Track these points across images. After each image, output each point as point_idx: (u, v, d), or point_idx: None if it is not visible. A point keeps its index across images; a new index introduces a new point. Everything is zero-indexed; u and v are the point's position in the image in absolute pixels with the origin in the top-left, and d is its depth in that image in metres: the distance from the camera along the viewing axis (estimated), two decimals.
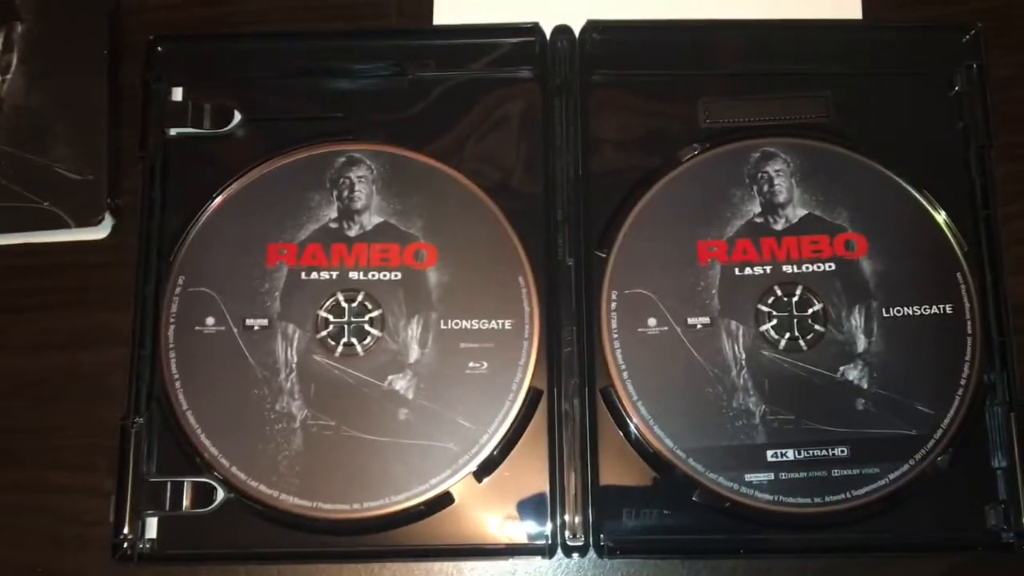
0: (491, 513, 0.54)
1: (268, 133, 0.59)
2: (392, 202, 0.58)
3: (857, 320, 0.56)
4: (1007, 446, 0.54)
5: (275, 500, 0.53)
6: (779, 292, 0.56)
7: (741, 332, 0.56)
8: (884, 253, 0.57)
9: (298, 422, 0.54)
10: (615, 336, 0.56)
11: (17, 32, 0.61)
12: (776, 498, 0.53)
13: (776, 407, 0.55)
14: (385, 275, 0.57)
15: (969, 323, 0.56)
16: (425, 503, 0.54)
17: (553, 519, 0.54)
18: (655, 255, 0.57)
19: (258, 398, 0.55)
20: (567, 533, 0.53)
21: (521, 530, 0.54)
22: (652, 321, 0.56)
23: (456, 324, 0.56)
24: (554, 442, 0.54)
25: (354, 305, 0.56)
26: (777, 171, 0.58)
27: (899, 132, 0.59)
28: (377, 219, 0.58)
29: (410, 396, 0.55)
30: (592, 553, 0.54)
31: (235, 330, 0.56)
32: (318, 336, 0.56)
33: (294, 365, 0.55)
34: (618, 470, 0.54)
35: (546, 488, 0.54)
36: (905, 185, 0.58)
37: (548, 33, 0.60)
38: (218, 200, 0.58)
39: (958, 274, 0.56)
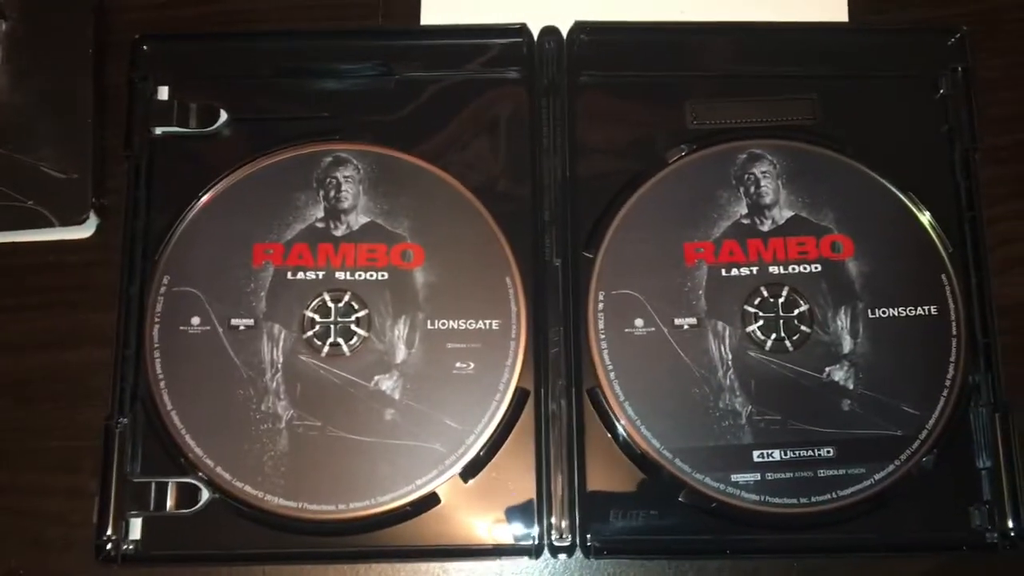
0: (478, 514, 0.54)
1: (254, 133, 0.59)
2: (379, 202, 0.58)
3: (843, 321, 0.56)
4: (991, 447, 0.55)
5: (260, 501, 0.53)
6: (765, 293, 0.56)
7: (727, 333, 0.56)
8: (870, 255, 0.57)
9: (284, 422, 0.54)
10: (602, 337, 0.56)
11: (1, 30, 0.61)
12: (762, 498, 0.54)
13: (762, 408, 0.55)
14: (372, 275, 0.56)
15: (954, 324, 0.56)
16: (411, 504, 0.53)
17: (540, 519, 0.54)
18: (642, 256, 0.57)
19: (243, 398, 0.54)
20: (554, 533, 0.53)
21: (508, 530, 0.54)
22: (639, 322, 0.56)
23: (443, 324, 0.56)
24: (541, 443, 0.54)
25: (340, 305, 0.56)
26: (764, 173, 0.58)
27: (885, 134, 0.59)
28: (364, 219, 0.57)
29: (396, 396, 0.55)
30: (579, 553, 0.54)
31: (220, 330, 0.55)
32: (304, 336, 0.55)
33: (280, 365, 0.55)
34: (605, 470, 0.54)
35: (533, 488, 0.54)
36: (891, 187, 0.58)
37: (536, 34, 0.60)
38: (204, 199, 0.57)
39: (943, 276, 0.57)
